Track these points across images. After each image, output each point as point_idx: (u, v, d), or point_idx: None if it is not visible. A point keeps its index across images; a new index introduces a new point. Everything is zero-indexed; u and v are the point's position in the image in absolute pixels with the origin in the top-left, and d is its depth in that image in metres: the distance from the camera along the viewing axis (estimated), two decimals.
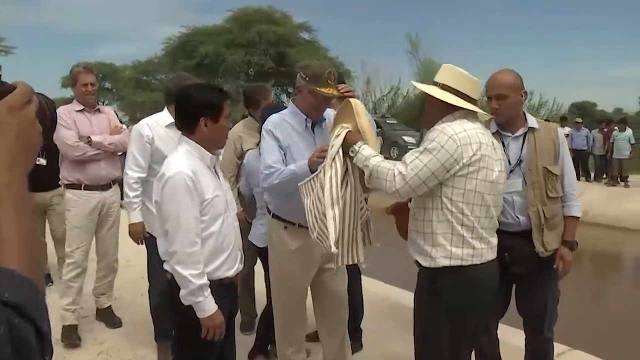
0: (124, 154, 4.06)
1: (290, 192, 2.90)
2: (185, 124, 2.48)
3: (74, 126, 4.17)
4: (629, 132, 15.41)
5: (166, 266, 2.45)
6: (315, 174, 2.74)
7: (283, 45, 31.88)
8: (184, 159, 2.41)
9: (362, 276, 4.22)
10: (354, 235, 2.74)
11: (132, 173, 3.60)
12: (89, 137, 4.18)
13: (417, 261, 2.63)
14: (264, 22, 32.24)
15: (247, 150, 4.03)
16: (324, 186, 2.61)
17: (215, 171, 2.55)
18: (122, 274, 4.88)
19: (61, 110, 4.13)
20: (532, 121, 3.07)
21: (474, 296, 2.56)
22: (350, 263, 2.80)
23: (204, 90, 2.51)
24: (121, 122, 4.82)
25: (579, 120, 17.34)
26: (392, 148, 20.10)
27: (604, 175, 16.21)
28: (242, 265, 2.65)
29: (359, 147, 2.60)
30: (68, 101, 6.56)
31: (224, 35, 32.58)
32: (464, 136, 2.41)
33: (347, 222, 2.68)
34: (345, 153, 2.65)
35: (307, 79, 2.96)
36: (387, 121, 23.48)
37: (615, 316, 6.23)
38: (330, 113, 3.23)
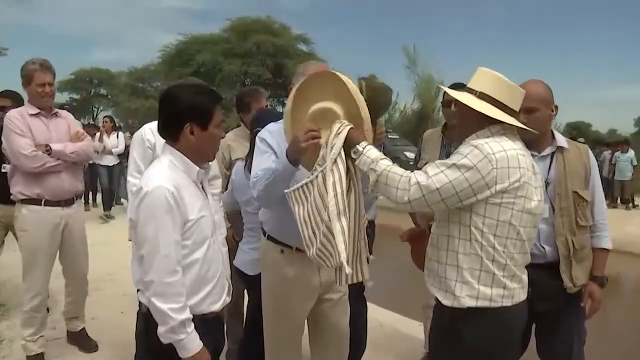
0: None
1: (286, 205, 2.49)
2: (169, 130, 2.13)
3: (29, 133, 3.68)
4: (631, 153, 15.26)
5: (141, 297, 2.09)
6: (308, 179, 2.29)
7: (281, 57, 31.65)
8: (166, 172, 2.05)
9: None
10: (357, 250, 2.35)
11: (134, 180, 3.19)
12: (48, 145, 3.71)
13: (436, 297, 2.29)
14: (262, 32, 32.10)
15: (236, 160, 3.65)
16: (324, 194, 2.19)
17: (202, 188, 2.20)
18: (102, 289, 4.51)
19: (12, 114, 3.69)
20: (561, 140, 2.78)
21: (502, 340, 2.23)
22: (355, 282, 2.39)
23: (192, 91, 2.14)
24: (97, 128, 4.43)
25: (582, 140, 17.10)
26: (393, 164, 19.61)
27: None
28: (229, 298, 2.29)
29: (364, 149, 2.20)
30: (61, 106, 6.14)
31: (222, 44, 32.49)
32: (502, 157, 2.07)
33: (353, 235, 2.26)
34: (347, 155, 2.24)
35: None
36: (389, 136, 23.15)
37: (623, 346, 5.88)
38: None
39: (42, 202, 3.72)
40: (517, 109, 2.25)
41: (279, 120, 2.74)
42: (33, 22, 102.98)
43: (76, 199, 3.96)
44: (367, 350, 3.88)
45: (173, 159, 2.11)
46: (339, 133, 2.23)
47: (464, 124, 2.27)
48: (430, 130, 3.96)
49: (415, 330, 4.70)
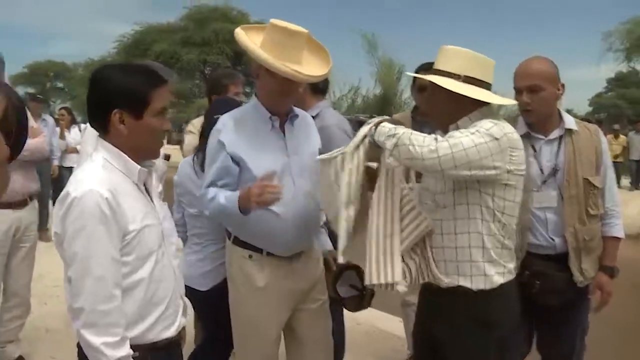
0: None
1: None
2: (96, 119, 1.73)
3: None
4: None
5: (75, 325, 1.70)
6: (340, 150, 2.11)
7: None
8: (99, 173, 1.65)
9: None
10: (388, 247, 2.07)
11: None
12: None
13: (460, 287, 2.10)
14: (220, 20, 31.60)
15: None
16: (340, 180, 2.07)
17: (147, 190, 1.82)
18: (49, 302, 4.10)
19: None
20: (569, 121, 2.57)
21: (517, 316, 2.21)
22: (382, 282, 2.05)
23: (123, 71, 1.74)
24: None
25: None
26: None
27: None
28: (185, 319, 1.91)
29: (377, 124, 2.08)
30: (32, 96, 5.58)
31: (179, 33, 32.03)
32: (516, 139, 2.04)
33: (382, 227, 2.07)
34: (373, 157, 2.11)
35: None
36: (361, 118, 22.81)
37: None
38: (304, 115, 2.52)
39: None
40: (491, 81, 2.17)
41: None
42: None
43: (30, 201, 3.56)
44: (347, 352, 3.54)
45: (108, 156, 1.71)
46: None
47: (448, 109, 2.15)
48: (398, 114, 3.73)
49: (396, 327, 4.42)
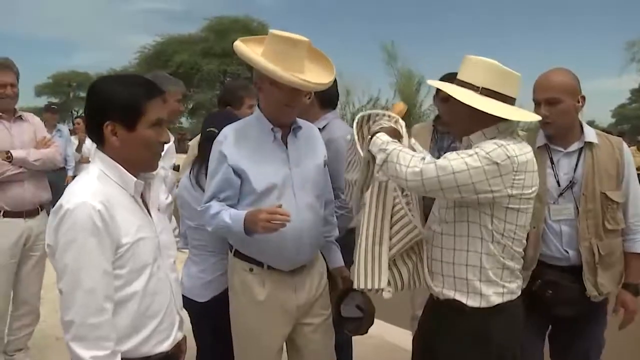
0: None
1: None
2: (92, 130, 1.73)
3: None
4: None
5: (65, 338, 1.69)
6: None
7: None
8: (93, 185, 1.65)
9: None
10: (376, 253, 2.13)
11: None
12: (9, 151, 3.40)
13: (456, 300, 2.10)
14: (241, 31, 31.76)
15: None
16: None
17: (144, 202, 1.81)
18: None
19: None
20: (590, 134, 2.53)
21: (519, 332, 2.18)
22: (369, 288, 2.16)
23: (116, 83, 1.74)
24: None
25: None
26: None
27: None
28: (181, 333, 1.89)
29: (375, 134, 2.12)
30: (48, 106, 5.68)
31: (200, 44, 32.35)
32: (523, 161, 1.95)
33: (371, 234, 2.12)
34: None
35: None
36: None
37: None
38: (308, 126, 2.50)
39: (1, 214, 3.40)
40: (516, 96, 2.09)
41: (233, 121, 2.44)
42: (9, 28, 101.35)
43: (41, 210, 3.61)
44: None
45: (104, 167, 1.71)
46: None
47: (465, 122, 2.10)
48: (419, 124, 3.71)
49: (406, 340, 4.34)
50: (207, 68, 31.20)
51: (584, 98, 2.50)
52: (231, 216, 2.21)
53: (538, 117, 2.25)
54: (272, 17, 51.30)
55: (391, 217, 2.15)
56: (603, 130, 2.91)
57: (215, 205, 2.28)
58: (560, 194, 2.49)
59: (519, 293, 2.15)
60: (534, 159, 2.02)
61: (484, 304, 2.05)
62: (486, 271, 2.04)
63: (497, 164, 1.90)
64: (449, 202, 2.08)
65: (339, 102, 3.36)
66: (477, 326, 2.07)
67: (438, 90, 3.12)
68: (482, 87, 2.03)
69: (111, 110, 1.67)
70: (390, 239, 2.14)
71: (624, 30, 70.15)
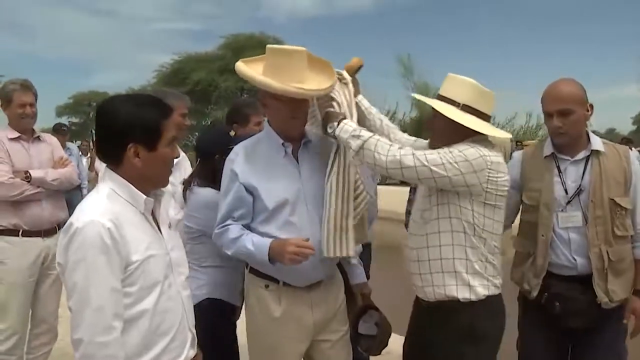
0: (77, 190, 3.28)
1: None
2: (108, 152, 1.73)
3: (8, 158, 3.41)
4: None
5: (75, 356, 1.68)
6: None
7: None
8: (103, 204, 1.65)
9: None
10: (344, 226, 2.26)
11: None
12: (27, 171, 3.42)
13: (446, 300, 2.25)
14: (257, 48, 31.92)
15: None
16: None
17: (155, 219, 1.81)
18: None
19: None
20: (596, 143, 2.56)
21: (503, 325, 2.35)
22: (339, 255, 2.28)
23: (134, 104, 1.72)
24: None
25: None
26: None
27: None
28: (193, 351, 1.87)
29: (340, 121, 2.23)
30: (61, 125, 5.65)
31: (217, 61, 32.48)
32: (496, 161, 2.16)
33: (336, 208, 2.24)
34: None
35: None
36: None
37: None
38: (321, 138, 2.46)
39: (20, 233, 3.43)
40: (490, 113, 2.30)
41: (227, 141, 2.59)
42: (30, 49, 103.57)
43: (58, 229, 3.60)
44: None
45: (114, 186, 1.70)
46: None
47: (446, 134, 2.26)
48: None
49: None
50: (224, 85, 31.34)
51: (592, 107, 2.52)
52: (254, 243, 2.21)
53: (509, 135, 2.56)
54: (288, 35, 51.58)
55: (354, 191, 2.30)
56: (622, 138, 2.91)
57: (234, 229, 2.27)
58: (568, 202, 2.51)
59: (500, 290, 2.28)
60: (505, 163, 2.22)
61: (473, 296, 2.20)
62: (472, 263, 2.20)
63: (469, 161, 2.10)
64: (431, 202, 2.26)
65: None
66: (464, 321, 2.20)
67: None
68: (463, 104, 2.22)
69: (133, 132, 1.66)
70: (355, 209, 2.30)
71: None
